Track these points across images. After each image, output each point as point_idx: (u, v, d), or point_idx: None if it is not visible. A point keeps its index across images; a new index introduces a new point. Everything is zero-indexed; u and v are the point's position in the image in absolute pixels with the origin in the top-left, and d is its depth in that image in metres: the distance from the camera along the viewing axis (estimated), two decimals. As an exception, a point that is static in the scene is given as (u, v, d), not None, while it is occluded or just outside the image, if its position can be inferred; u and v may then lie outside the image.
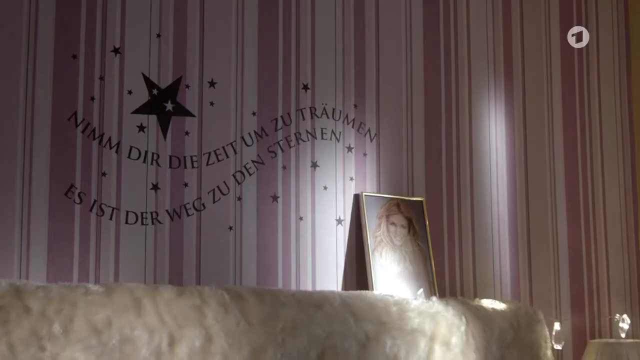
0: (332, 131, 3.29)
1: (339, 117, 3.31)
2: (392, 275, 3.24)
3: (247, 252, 3.03)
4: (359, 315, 2.89)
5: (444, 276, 3.47)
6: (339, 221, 3.24)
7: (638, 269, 3.94)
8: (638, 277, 3.94)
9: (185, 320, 2.56)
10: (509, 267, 3.66)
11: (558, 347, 3.55)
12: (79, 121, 2.84)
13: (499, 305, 3.35)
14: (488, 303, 3.34)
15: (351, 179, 3.30)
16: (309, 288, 3.12)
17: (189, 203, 2.96)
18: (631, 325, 3.74)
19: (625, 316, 3.63)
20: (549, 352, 3.37)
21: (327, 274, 3.18)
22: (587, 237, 3.87)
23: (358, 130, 3.35)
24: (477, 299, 3.38)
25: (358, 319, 2.88)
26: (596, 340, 3.59)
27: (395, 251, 3.29)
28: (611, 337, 3.79)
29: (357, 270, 3.24)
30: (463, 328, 3.12)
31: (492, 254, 3.62)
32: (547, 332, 3.41)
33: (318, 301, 2.85)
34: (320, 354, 2.77)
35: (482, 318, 3.21)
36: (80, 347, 2.35)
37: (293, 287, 3.09)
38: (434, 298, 3.16)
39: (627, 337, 3.63)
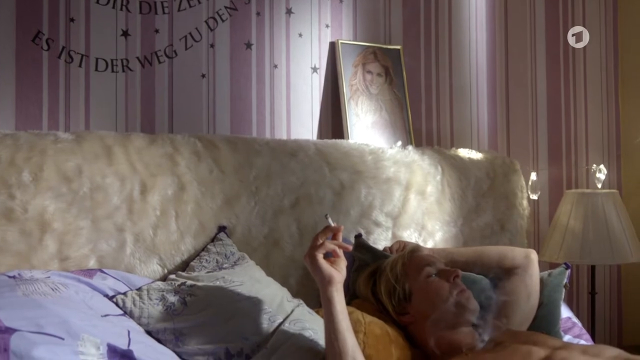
0: (308, -24, 3.20)
1: (314, -39, 3.21)
2: (367, 124, 3.22)
3: (221, 100, 2.98)
4: (334, 164, 2.88)
5: (421, 125, 3.46)
6: (314, 69, 3.19)
7: (616, 120, 3.94)
8: (616, 127, 3.94)
9: (157, 169, 2.53)
10: (487, 116, 3.65)
11: (534, 196, 3.58)
12: (43, -36, 2.73)
13: (476, 155, 3.35)
14: (464, 152, 3.34)
15: (327, 26, 3.22)
16: (284, 137, 3.09)
17: (160, 50, 2.88)
18: (607, 175, 3.76)
19: (602, 166, 3.64)
20: (525, 202, 3.40)
21: (302, 122, 3.15)
22: (566, 88, 3.85)
23: (334, -25, 3.26)
24: (453, 149, 3.38)
25: (333, 168, 2.87)
26: (572, 190, 3.61)
27: (371, 100, 3.25)
28: (587, 187, 3.82)
29: (333, 119, 3.21)
30: (438, 177, 3.13)
31: (469, 103, 3.59)
32: (524, 182, 3.43)
33: (292, 149, 2.83)
34: (295, 202, 2.78)
35: (458, 167, 3.21)
36: (51, 195, 2.33)
37: (267, 136, 3.06)
38: (410, 147, 3.15)
39: (603, 187, 3.65)
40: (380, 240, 2.93)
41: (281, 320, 2.24)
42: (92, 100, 2.76)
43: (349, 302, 2.46)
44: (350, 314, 2.20)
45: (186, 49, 2.93)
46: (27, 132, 2.44)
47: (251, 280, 2.39)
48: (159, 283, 2.34)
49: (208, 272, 2.41)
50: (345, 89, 3.17)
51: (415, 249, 2.57)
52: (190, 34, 2.94)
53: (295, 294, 2.50)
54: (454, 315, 2.36)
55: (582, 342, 2.78)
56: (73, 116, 2.73)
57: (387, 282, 2.45)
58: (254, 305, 2.26)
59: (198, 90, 2.95)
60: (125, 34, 2.83)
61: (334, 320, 2.08)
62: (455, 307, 2.37)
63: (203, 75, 2.95)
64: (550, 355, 2.19)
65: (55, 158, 2.36)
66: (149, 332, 2.18)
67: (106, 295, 2.23)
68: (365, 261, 2.70)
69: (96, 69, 2.77)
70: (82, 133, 2.51)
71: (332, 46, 3.22)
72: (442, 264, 2.50)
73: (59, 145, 2.40)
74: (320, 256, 2.11)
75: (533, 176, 3.57)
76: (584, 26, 3.86)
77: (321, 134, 3.19)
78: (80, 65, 2.75)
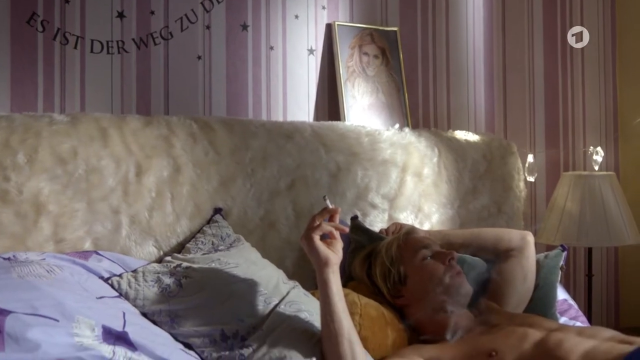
0: (304, -44, 3.18)
1: (310, -59, 3.20)
2: (364, 106, 3.21)
3: (217, 82, 2.97)
4: (330, 146, 2.87)
5: (417, 107, 3.44)
6: (311, 51, 3.17)
7: (614, 102, 3.93)
8: (614, 109, 3.93)
9: (152, 150, 2.53)
10: (484, 98, 3.64)
11: (531, 179, 3.57)
12: (38, -54, 2.72)
13: (473, 137, 3.34)
14: (461, 134, 3.33)
15: (323, 7, 3.20)
16: (280, 119, 3.09)
17: (156, 32, 2.87)
18: (605, 157, 3.76)
19: (599, 148, 3.64)
20: (522, 184, 3.39)
21: (298, 104, 3.14)
22: (563, 70, 3.84)
23: (330, -44, 3.24)
24: (450, 131, 3.36)
25: (329, 150, 2.86)
26: (569, 173, 3.61)
27: (368, 82, 3.25)
28: (585, 169, 3.82)
29: (329, 101, 3.20)
30: (435, 159, 3.12)
31: (466, 85, 3.58)
32: (520, 164, 3.41)
33: (288, 131, 2.83)
34: (291, 184, 2.77)
35: (455, 149, 3.20)
36: (46, 177, 2.32)
37: (264, 117, 3.05)
38: (407, 129, 3.14)
39: (600, 169, 3.65)
40: (377, 222, 2.92)
41: (277, 302, 2.23)
42: (88, 82, 2.75)
43: (344, 284, 2.45)
44: (346, 295, 2.20)
45: (182, 30, 2.92)
46: (22, 114, 2.43)
47: (247, 262, 2.39)
48: (155, 265, 2.33)
49: (204, 254, 2.40)
50: (342, 71, 3.16)
51: (410, 231, 2.56)
52: (185, 15, 2.92)
53: (291, 276, 2.49)
54: (448, 298, 2.36)
55: (579, 324, 2.79)
56: (68, 98, 2.72)
57: (382, 265, 2.45)
58: (249, 287, 2.26)
59: (194, 72, 2.94)
60: (120, 15, 2.81)
61: (330, 302, 2.08)
62: (448, 289, 2.37)
63: (199, 57, 2.94)
64: (545, 337, 2.20)
65: (51, 140, 2.36)
66: (144, 314, 2.18)
67: (101, 277, 2.22)
68: (361, 243, 2.70)
69: (91, 51, 2.76)
70: (77, 115, 2.50)
71: (329, 28, 3.21)
72: (438, 246, 2.50)
73: (54, 127, 2.39)
74: (316, 238, 2.11)
75: (530, 158, 3.56)
76: (581, 7, 3.85)
77: (317, 116, 3.18)
78: (75, 47, 2.74)
